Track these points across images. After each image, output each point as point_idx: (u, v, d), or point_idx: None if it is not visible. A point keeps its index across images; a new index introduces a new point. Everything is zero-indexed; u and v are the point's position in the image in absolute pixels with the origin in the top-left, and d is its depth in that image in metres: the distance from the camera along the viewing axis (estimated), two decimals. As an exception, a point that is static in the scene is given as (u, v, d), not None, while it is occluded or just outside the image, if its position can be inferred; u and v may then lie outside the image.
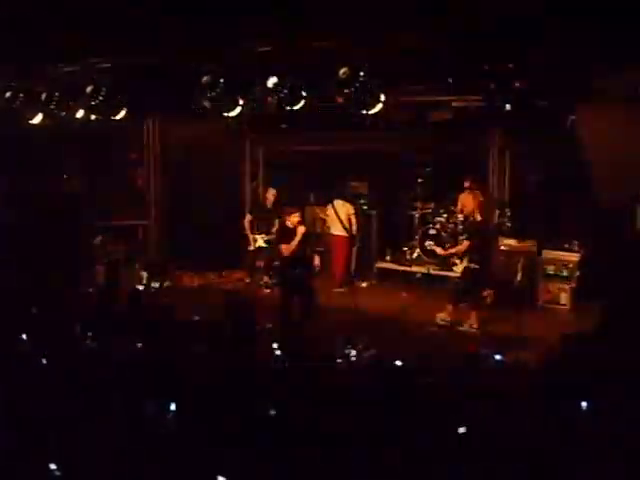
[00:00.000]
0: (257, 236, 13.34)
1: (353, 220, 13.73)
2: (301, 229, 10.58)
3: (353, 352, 7.78)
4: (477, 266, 10.75)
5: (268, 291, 13.19)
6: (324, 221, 14.35)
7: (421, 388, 6.50)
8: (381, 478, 4.98)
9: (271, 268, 13.29)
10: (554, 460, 4.99)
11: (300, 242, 10.57)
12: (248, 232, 13.41)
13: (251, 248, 13.45)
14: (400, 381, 6.70)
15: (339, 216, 13.57)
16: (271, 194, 13.57)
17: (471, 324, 10.89)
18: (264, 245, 13.30)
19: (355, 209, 13.83)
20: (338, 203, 13.71)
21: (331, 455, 5.25)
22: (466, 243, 10.94)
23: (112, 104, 10.26)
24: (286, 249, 10.60)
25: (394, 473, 4.96)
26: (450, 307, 11.01)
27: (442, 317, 10.99)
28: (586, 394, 6.11)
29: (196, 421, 5.89)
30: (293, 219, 10.59)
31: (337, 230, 13.73)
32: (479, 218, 11.26)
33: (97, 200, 14.12)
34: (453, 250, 11.56)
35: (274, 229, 12.97)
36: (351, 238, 13.75)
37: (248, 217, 13.54)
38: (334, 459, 5.19)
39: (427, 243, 13.03)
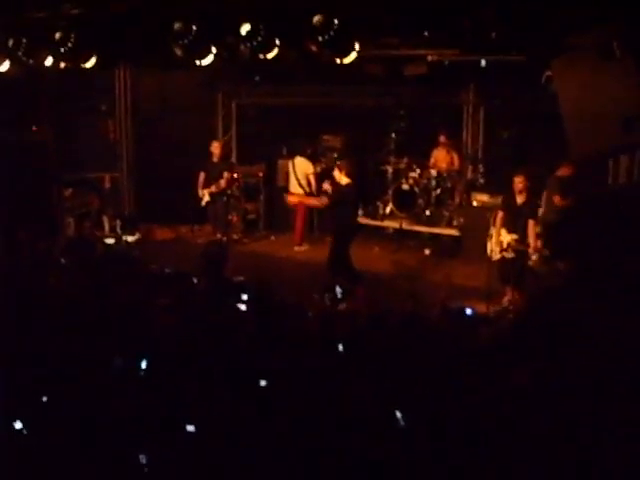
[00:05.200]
0: (204, 191, 13.14)
1: (311, 180, 13.42)
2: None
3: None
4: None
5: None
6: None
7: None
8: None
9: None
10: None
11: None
12: (199, 189, 13.19)
13: (202, 204, 13.27)
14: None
15: (296, 174, 13.36)
16: (215, 147, 13.28)
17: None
18: (209, 199, 13.12)
19: (315, 168, 13.61)
20: (298, 160, 13.45)
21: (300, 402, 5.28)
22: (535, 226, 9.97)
23: (81, 52, 10.05)
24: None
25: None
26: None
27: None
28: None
29: (165, 372, 5.88)
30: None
31: (294, 188, 13.50)
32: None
33: (68, 152, 13.92)
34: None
35: (222, 182, 12.89)
36: (309, 196, 13.35)
37: (202, 175, 13.26)
38: (304, 407, 5.22)
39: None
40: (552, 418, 4.80)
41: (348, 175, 10.28)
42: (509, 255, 9.79)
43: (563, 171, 10.41)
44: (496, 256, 9.92)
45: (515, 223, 9.81)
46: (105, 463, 4.66)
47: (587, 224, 9.53)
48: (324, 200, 10.75)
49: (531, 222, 9.79)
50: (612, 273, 8.70)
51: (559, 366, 5.72)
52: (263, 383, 5.52)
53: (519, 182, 9.83)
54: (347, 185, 10.29)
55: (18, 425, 5.03)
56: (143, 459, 4.68)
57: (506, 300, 10.06)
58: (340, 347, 6.07)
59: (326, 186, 10.65)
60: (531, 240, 9.75)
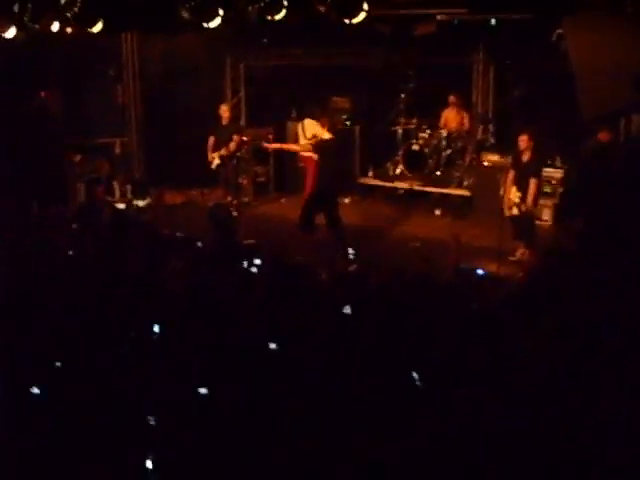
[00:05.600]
0: (214, 154, 13.00)
1: None
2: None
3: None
4: None
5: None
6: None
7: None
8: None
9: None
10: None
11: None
12: (209, 152, 13.01)
13: (213, 168, 13.13)
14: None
15: (306, 136, 13.17)
16: (224, 110, 13.10)
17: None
18: (219, 162, 12.93)
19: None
20: (307, 122, 13.00)
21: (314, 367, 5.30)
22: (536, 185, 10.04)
23: (87, 16, 9.99)
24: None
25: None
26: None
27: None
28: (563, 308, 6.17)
29: (178, 335, 5.91)
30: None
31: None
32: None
33: (77, 117, 13.88)
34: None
35: (232, 145, 12.85)
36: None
37: (211, 138, 13.06)
38: (317, 371, 5.25)
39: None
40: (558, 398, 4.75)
41: (330, 130, 10.64)
42: (515, 213, 9.86)
43: (602, 136, 10.36)
44: (507, 213, 10.00)
45: (521, 181, 9.88)
46: (117, 431, 4.70)
47: (600, 186, 9.49)
48: (307, 147, 11.37)
49: (532, 180, 9.84)
50: (625, 235, 8.67)
51: (568, 329, 5.72)
52: (273, 346, 5.56)
53: (522, 141, 9.91)
54: (328, 139, 10.59)
55: (35, 390, 5.09)
56: (152, 420, 4.72)
57: (519, 253, 10.21)
58: (348, 309, 6.10)
59: (309, 140, 11.31)
60: (529, 198, 9.80)
